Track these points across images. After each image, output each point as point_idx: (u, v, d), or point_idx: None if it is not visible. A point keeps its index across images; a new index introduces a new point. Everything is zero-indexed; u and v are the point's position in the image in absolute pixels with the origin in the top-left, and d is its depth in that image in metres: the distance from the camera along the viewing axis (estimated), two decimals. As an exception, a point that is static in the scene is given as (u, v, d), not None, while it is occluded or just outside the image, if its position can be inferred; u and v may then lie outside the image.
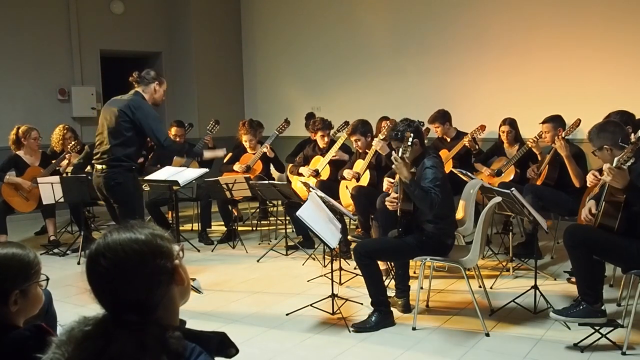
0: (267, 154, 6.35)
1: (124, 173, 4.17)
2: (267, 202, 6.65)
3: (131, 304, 1.25)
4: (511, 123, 5.61)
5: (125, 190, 4.17)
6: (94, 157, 4.28)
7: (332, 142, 5.97)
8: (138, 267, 1.26)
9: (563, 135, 4.90)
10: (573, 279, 4.23)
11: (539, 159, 5.27)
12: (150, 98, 4.25)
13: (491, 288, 4.36)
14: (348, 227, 5.88)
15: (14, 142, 6.10)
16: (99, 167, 4.21)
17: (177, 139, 6.45)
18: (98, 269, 1.26)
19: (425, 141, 5.65)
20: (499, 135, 5.72)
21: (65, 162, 6.09)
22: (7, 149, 6.31)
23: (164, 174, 5.00)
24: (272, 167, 6.64)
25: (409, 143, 3.56)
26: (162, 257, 1.29)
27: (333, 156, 5.77)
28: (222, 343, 1.31)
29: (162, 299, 1.28)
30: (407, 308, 3.93)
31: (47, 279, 1.83)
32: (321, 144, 5.95)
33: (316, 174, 5.81)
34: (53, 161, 6.12)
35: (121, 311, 1.25)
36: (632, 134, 3.89)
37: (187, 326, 1.35)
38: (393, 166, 3.59)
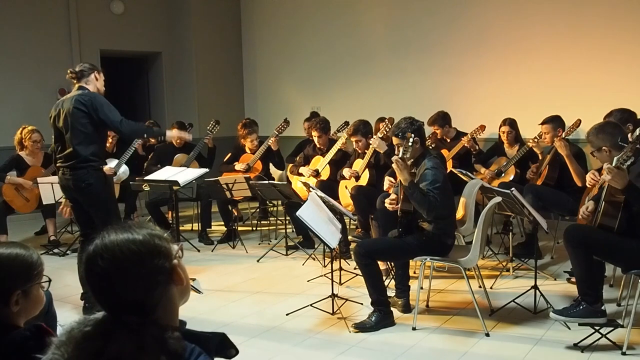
0: (272, 147, 6.28)
1: (93, 173, 4.02)
2: (267, 202, 6.65)
3: (130, 304, 1.25)
4: (511, 123, 5.61)
5: (97, 191, 4.02)
6: (58, 161, 4.11)
7: (332, 142, 5.97)
8: (136, 267, 1.25)
9: (563, 136, 4.90)
10: (573, 279, 4.22)
11: (540, 158, 5.26)
12: (93, 88, 4.10)
13: (491, 288, 4.36)
14: (348, 227, 5.88)
15: (18, 142, 6.11)
16: (65, 169, 4.04)
17: (178, 141, 6.46)
18: (96, 269, 1.26)
19: (433, 145, 5.71)
20: (499, 136, 5.72)
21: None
22: (7, 148, 6.31)
23: (164, 174, 5.00)
24: (272, 167, 6.63)
25: (410, 143, 3.56)
26: (160, 257, 1.29)
27: (336, 152, 5.75)
28: (222, 343, 1.30)
29: (161, 299, 1.28)
30: (407, 308, 3.93)
31: (50, 281, 1.83)
32: (317, 144, 5.95)
33: (316, 174, 5.81)
34: (54, 161, 6.12)
35: (120, 311, 1.25)
36: (630, 133, 3.91)
37: (186, 326, 1.35)
38: (393, 166, 3.59)
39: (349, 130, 5.54)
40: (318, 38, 8.33)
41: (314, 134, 5.90)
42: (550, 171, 5.07)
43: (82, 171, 4.00)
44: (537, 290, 3.85)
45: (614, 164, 3.14)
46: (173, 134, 4.95)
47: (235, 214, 6.47)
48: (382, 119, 6.31)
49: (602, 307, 3.33)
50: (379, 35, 7.75)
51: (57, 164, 4.14)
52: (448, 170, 4.86)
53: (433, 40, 7.21)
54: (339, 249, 5.13)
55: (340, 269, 4.66)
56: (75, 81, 4.10)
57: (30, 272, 1.72)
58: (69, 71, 4.12)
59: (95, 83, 4.12)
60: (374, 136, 5.22)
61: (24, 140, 6.05)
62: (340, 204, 5.17)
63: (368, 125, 5.43)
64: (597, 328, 3.31)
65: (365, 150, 5.36)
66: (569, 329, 3.53)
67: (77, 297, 4.12)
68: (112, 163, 5.80)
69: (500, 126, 5.66)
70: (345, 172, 5.45)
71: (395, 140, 3.83)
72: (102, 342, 1.19)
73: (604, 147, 3.35)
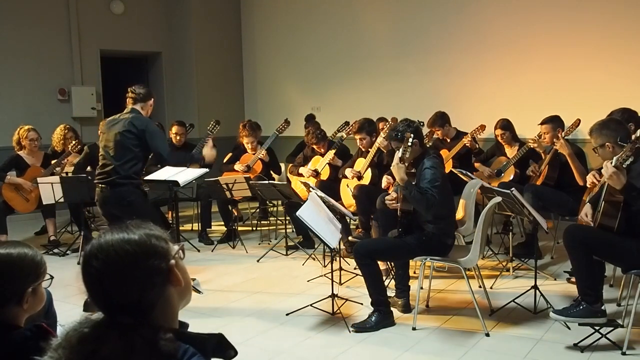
0: (264, 158, 6.38)
1: (134, 191, 4.20)
2: (267, 202, 6.65)
3: (125, 306, 1.23)
4: (504, 125, 5.55)
5: (137, 208, 4.17)
6: (98, 177, 4.25)
7: (330, 143, 5.97)
8: (130, 267, 1.24)
9: (563, 136, 4.90)
10: (573, 279, 4.22)
11: (543, 157, 5.24)
12: (146, 113, 4.31)
13: (491, 288, 4.36)
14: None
15: (17, 142, 6.13)
16: (104, 185, 4.18)
17: (178, 137, 6.49)
18: (90, 270, 1.25)
19: (430, 143, 5.70)
20: (496, 138, 5.72)
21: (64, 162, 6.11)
22: (7, 148, 6.32)
23: (164, 174, 4.99)
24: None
25: (409, 143, 3.57)
26: (156, 257, 1.27)
27: (328, 161, 5.78)
28: (219, 345, 1.29)
29: (157, 300, 1.26)
30: (407, 308, 3.93)
31: (52, 278, 1.84)
32: (319, 151, 5.98)
33: (316, 174, 5.81)
34: (53, 161, 6.13)
35: (116, 312, 1.24)
36: (633, 133, 3.89)
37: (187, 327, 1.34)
38: (391, 167, 3.60)
39: (353, 128, 5.54)
40: (318, 38, 8.33)
41: (316, 147, 5.92)
42: (550, 171, 5.07)
43: (123, 188, 4.15)
44: (537, 290, 3.85)
45: (613, 164, 3.14)
46: (207, 153, 4.70)
47: (235, 214, 6.47)
48: (382, 119, 6.32)
49: (602, 307, 3.32)
50: (379, 35, 7.75)
51: (96, 180, 4.28)
52: (448, 170, 4.86)
53: (433, 39, 7.21)
54: (347, 248, 5.13)
55: (340, 269, 4.66)
56: (132, 101, 4.27)
57: (38, 270, 1.74)
58: (130, 93, 4.28)
59: (149, 109, 4.32)
60: (380, 137, 5.23)
61: (22, 140, 6.07)
62: (342, 203, 5.17)
63: (373, 124, 5.45)
64: (597, 328, 3.31)
65: (369, 149, 5.37)
66: (569, 329, 3.53)
67: (77, 297, 4.11)
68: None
69: (495, 129, 5.65)
70: (348, 172, 5.45)
71: (393, 144, 3.83)
72: (95, 344, 1.18)
73: (607, 144, 3.33)
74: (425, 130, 5.62)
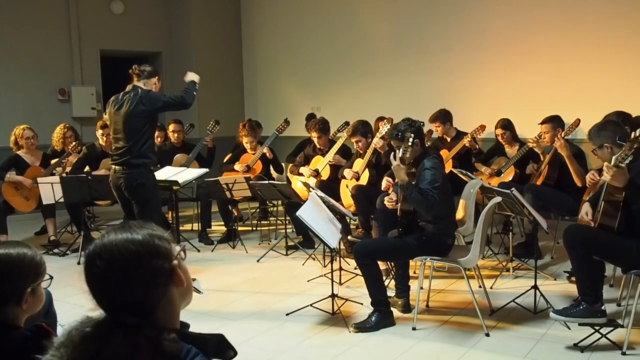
0: (267, 155, 6.37)
1: (145, 173, 4.25)
2: (267, 202, 6.65)
3: (128, 306, 1.23)
4: (504, 125, 5.57)
5: (146, 190, 4.25)
6: (113, 159, 4.31)
7: (331, 143, 5.97)
8: (134, 267, 1.24)
9: (563, 135, 4.90)
10: (573, 278, 4.22)
11: (542, 158, 5.25)
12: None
13: (491, 288, 4.36)
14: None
15: (14, 143, 6.13)
16: (118, 167, 4.25)
17: (176, 135, 6.52)
18: (94, 270, 1.25)
19: (428, 143, 5.71)
20: (497, 137, 5.72)
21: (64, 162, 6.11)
22: (7, 149, 6.33)
23: (164, 174, 5.00)
24: (272, 168, 6.65)
25: (410, 143, 3.57)
26: (160, 257, 1.27)
27: (330, 161, 5.78)
28: (219, 345, 1.30)
29: (160, 301, 1.26)
30: (407, 308, 3.93)
31: (52, 278, 1.84)
32: (317, 144, 5.96)
33: (316, 174, 5.81)
34: (53, 161, 6.12)
35: (118, 313, 1.24)
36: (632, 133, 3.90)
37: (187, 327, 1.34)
38: (392, 167, 3.60)
39: (348, 131, 5.55)
40: (318, 38, 8.33)
41: (314, 134, 5.91)
42: (550, 171, 5.07)
43: (135, 170, 4.20)
44: (537, 290, 3.85)
45: (612, 163, 3.14)
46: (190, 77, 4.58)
47: (235, 214, 6.47)
48: (381, 118, 6.33)
49: (602, 307, 3.33)
50: (379, 35, 7.75)
51: (111, 162, 4.33)
52: (448, 171, 4.87)
53: (434, 40, 7.21)
54: (347, 248, 5.13)
55: (340, 269, 4.66)
56: (135, 77, 4.26)
57: (37, 270, 1.74)
58: (134, 67, 4.28)
59: (153, 87, 4.30)
60: (376, 137, 5.24)
61: (19, 140, 6.07)
62: (342, 203, 5.17)
63: (367, 126, 5.44)
64: (597, 328, 3.31)
65: (366, 150, 5.37)
66: (569, 329, 3.53)
67: (77, 297, 4.11)
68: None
69: (495, 129, 5.66)
70: (346, 172, 5.45)
71: (394, 143, 3.83)
72: (99, 344, 1.18)
73: (605, 145, 3.34)
74: (425, 126, 5.63)
